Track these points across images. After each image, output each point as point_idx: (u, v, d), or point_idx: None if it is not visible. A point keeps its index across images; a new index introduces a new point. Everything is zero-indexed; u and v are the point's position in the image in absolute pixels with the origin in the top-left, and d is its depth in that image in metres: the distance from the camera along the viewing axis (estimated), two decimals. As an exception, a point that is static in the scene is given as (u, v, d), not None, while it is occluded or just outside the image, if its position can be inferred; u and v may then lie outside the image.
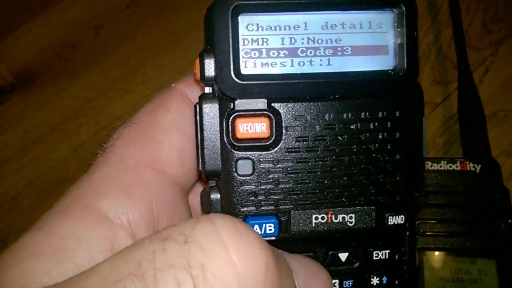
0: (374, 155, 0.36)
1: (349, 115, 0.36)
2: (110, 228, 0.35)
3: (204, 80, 0.36)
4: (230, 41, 0.34)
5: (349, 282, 0.37)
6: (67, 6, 0.94)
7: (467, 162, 0.67)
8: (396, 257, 0.37)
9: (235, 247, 0.26)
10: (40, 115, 0.87)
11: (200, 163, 0.37)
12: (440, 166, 0.66)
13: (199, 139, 0.37)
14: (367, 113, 0.36)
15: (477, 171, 0.66)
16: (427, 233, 0.65)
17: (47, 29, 0.93)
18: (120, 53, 0.91)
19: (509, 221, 0.64)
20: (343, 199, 0.36)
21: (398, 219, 0.36)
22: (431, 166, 0.67)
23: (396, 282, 0.38)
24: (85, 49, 0.91)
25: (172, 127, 0.39)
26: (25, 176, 0.83)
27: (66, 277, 0.32)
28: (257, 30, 0.35)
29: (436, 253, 0.64)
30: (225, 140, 0.36)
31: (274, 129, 0.36)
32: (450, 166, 0.67)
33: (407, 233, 0.38)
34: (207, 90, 0.37)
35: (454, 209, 0.65)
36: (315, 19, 0.35)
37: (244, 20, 0.35)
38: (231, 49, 0.35)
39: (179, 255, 0.26)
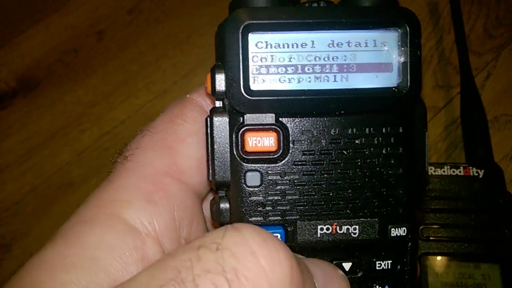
0: (377, 169, 0.37)
1: (354, 130, 0.37)
2: (138, 237, 0.36)
3: (215, 94, 0.37)
4: (240, 58, 0.35)
5: None
6: (69, 11, 0.94)
7: (470, 167, 0.67)
8: (398, 267, 0.38)
9: (263, 253, 0.28)
10: (42, 120, 0.87)
11: (210, 173, 0.38)
12: (444, 171, 0.67)
13: (209, 151, 0.38)
14: (371, 129, 0.37)
15: (480, 176, 0.66)
16: (430, 238, 0.65)
17: (49, 34, 0.93)
18: (122, 58, 0.91)
19: (512, 225, 0.64)
20: (348, 211, 0.37)
21: (401, 231, 0.37)
22: (434, 171, 0.67)
23: None
24: (87, 54, 0.91)
25: (189, 137, 0.40)
26: (28, 181, 0.83)
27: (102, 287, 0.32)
28: (266, 47, 0.36)
29: (440, 258, 0.64)
30: (235, 152, 0.37)
31: (281, 143, 0.37)
32: (453, 171, 0.67)
33: (409, 244, 0.39)
34: (218, 104, 0.38)
35: (458, 214, 0.65)
36: (321, 38, 0.36)
37: (253, 38, 0.36)
38: (241, 66, 0.36)
39: (214, 261, 0.28)
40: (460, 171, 0.67)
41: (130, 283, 0.28)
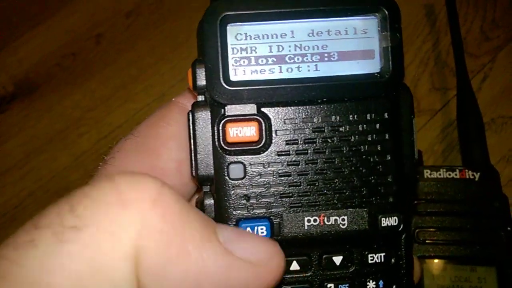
0: (364, 156, 0.36)
1: (338, 118, 0.36)
2: None
3: (196, 89, 0.37)
4: (219, 50, 0.36)
5: (344, 286, 0.37)
6: (67, 15, 0.94)
7: (466, 170, 0.67)
8: (393, 260, 0.37)
9: (123, 180, 0.28)
10: (40, 124, 0.87)
11: (193, 169, 0.38)
12: (439, 174, 0.67)
13: (192, 146, 0.37)
14: (355, 116, 0.36)
15: (476, 179, 0.66)
16: (426, 241, 0.65)
17: (47, 38, 0.93)
18: (121, 62, 0.91)
19: (509, 228, 0.64)
20: (335, 201, 0.36)
21: (391, 221, 0.36)
22: (430, 174, 0.67)
23: (394, 287, 0.38)
24: (85, 58, 0.92)
25: (171, 139, 0.40)
26: (26, 185, 0.83)
27: None
28: (246, 39, 0.36)
29: (436, 261, 0.64)
30: (217, 145, 0.37)
31: (264, 133, 0.36)
32: (449, 174, 0.67)
33: (403, 236, 0.38)
34: (200, 98, 0.38)
35: (454, 217, 0.65)
36: (301, 27, 0.36)
37: (232, 30, 0.36)
38: (220, 58, 0.36)
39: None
40: (456, 174, 0.67)
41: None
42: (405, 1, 0.91)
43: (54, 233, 0.27)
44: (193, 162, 0.37)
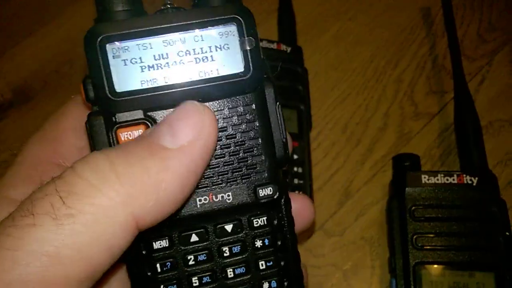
0: (240, 142, 0.43)
1: (215, 114, 0.42)
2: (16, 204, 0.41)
3: (89, 101, 0.42)
4: (102, 67, 0.40)
5: (237, 248, 0.44)
6: (64, 22, 0.95)
7: (464, 175, 0.67)
8: (275, 222, 0.44)
9: (82, 168, 0.35)
10: (38, 131, 0.87)
11: None
12: (437, 180, 0.67)
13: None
14: (229, 110, 0.42)
15: (474, 184, 0.67)
16: (425, 247, 0.65)
17: (44, 45, 0.93)
18: (118, 68, 0.91)
19: (507, 233, 0.65)
20: (219, 181, 0.43)
21: (267, 191, 0.43)
22: (428, 179, 0.67)
23: (279, 243, 0.45)
24: (82, 65, 0.91)
25: (70, 130, 0.48)
26: (24, 193, 0.83)
27: None
28: (124, 52, 0.41)
29: (434, 266, 0.64)
30: None
31: None
32: (447, 180, 0.67)
33: (282, 200, 0.45)
34: (95, 108, 0.42)
35: (452, 223, 0.66)
36: (172, 39, 0.41)
37: (111, 48, 0.41)
38: (103, 73, 0.40)
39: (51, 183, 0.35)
40: (454, 179, 0.67)
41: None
42: (401, 4, 0.92)
43: (53, 218, 0.33)
44: None
